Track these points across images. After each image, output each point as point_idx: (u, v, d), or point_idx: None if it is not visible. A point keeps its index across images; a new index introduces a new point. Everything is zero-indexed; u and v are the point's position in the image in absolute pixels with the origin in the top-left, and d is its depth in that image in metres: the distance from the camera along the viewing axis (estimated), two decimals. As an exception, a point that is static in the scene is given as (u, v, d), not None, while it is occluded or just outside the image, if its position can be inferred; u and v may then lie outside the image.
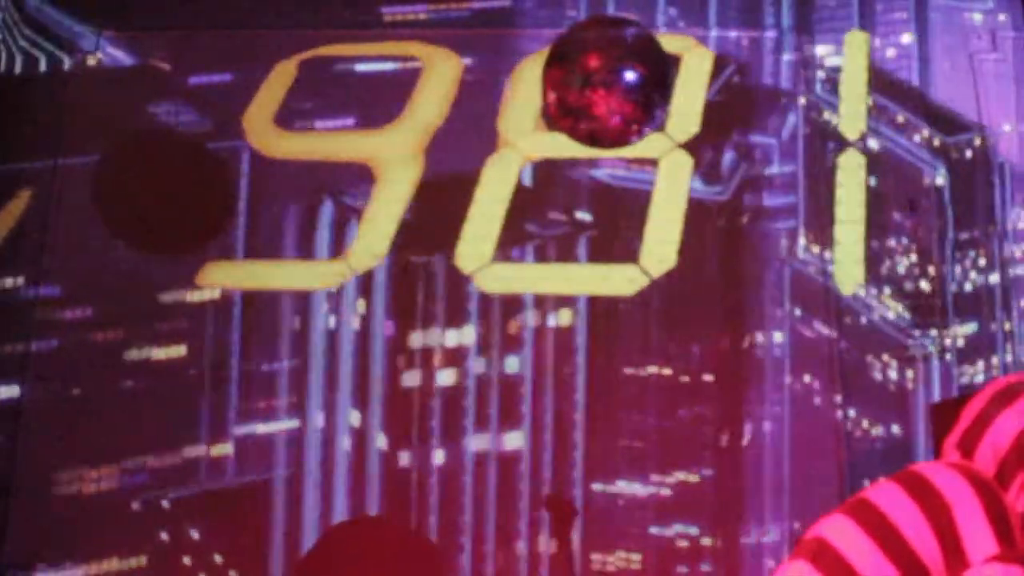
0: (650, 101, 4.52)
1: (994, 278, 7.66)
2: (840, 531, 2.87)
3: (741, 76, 7.33)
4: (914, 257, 7.56)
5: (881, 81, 7.63)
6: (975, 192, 7.72)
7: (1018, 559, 2.80)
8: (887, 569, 2.80)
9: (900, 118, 7.61)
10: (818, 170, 7.47)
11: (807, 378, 7.36)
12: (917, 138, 7.65)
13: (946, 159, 7.64)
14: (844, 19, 7.69)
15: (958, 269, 7.63)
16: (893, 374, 7.43)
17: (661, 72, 4.58)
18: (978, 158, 7.71)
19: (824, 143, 7.52)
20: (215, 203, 6.59)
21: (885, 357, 7.45)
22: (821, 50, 7.63)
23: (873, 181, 7.56)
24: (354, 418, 6.84)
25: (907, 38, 7.68)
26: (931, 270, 7.55)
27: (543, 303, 7.01)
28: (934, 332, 7.52)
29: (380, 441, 6.84)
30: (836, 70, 7.61)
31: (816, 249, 7.47)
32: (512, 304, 6.99)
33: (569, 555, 4.92)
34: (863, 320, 7.46)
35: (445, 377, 6.86)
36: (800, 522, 7.11)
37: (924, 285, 7.54)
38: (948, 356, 7.51)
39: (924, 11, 7.65)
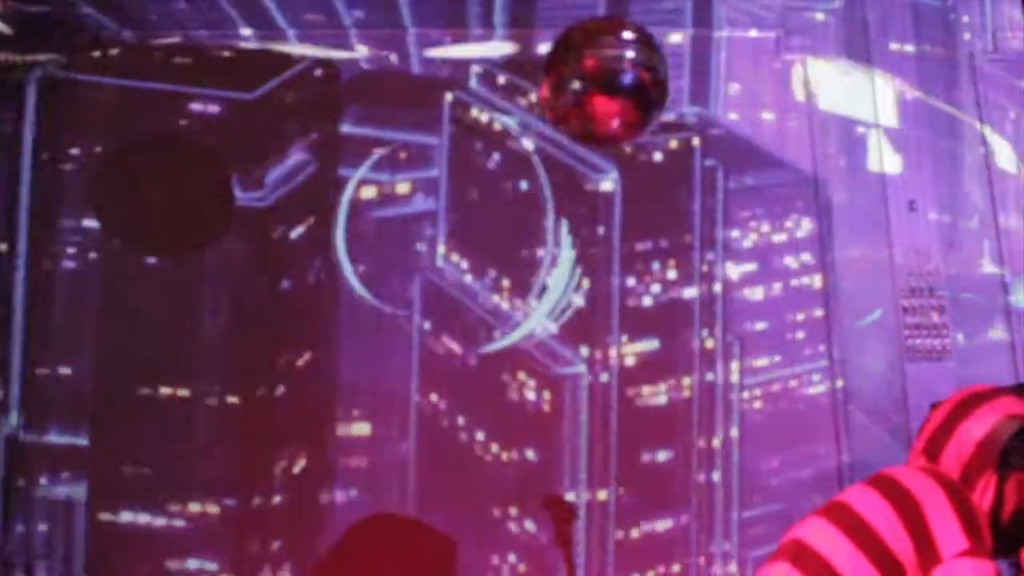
0: (647, 102, 4.41)
1: (690, 292, 6.73)
2: (818, 532, 3.15)
3: (326, 72, 6.74)
4: (566, 268, 6.72)
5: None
6: (664, 198, 6.84)
7: (987, 553, 3.09)
8: (864, 567, 3.04)
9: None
10: (470, 173, 6.80)
11: (433, 397, 6.58)
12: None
13: (619, 162, 6.81)
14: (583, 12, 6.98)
15: (632, 282, 6.73)
16: (531, 395, 6.56)
17: (658, 73, 4.47)
18: (676, 160, 6.86)
19: (472, 143, 6.84)
20: (214, 205, 6.51)
21: (522, 376, 6.59)
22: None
23: (525, 184, 6.81)
24: None
25: (676, 37, 6.93)
26: (585, 282, 6.69)
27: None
28: (585, 350, 6.62)
29: None
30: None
31: (456, 258, 6.74)
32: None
33: (569, 556, 4.58)
34: (498, 335, 6.66)
35: None
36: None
37: (577, 299, 6.68)
38: (605, 376, 6.59)
39: (707, 7, 6.89)
